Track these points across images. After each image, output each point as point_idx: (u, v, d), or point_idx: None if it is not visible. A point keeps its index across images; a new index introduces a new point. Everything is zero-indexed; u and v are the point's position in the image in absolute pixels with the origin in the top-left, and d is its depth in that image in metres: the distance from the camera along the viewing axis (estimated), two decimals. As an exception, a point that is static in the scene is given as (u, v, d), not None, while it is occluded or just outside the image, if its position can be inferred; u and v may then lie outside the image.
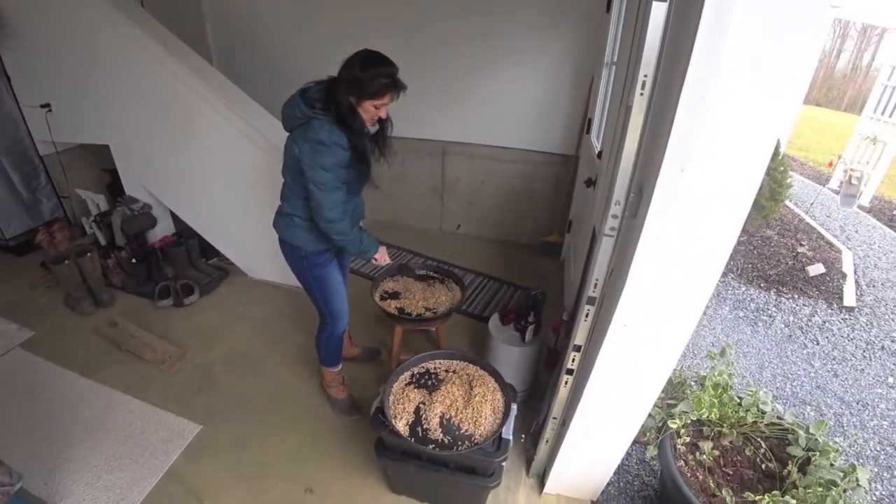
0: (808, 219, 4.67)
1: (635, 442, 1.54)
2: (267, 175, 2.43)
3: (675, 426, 1.54)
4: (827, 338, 2.86)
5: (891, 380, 2.53)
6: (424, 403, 1.48)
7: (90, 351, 2.37)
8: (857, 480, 1.34)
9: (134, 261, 2.88)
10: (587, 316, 1.32)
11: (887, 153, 5.22)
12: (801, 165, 7.49)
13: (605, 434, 1.47)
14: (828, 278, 3.43)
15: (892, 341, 2.84)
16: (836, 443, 1.46)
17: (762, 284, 3.38)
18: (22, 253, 3.17)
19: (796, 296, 3.26)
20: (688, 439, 1.56)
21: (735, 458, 1.55)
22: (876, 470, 1.98)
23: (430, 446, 1.38)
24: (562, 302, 2.76)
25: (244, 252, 2.97)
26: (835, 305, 3.17)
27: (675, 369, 1.62)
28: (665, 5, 0.92)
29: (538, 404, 1.96)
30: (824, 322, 3.00)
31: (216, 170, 2.66)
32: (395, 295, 2.11)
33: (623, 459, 1.61)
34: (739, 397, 1.64)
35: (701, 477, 1.49)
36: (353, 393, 2.09)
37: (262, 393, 2.15)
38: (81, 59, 2.63)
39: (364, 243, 1.62)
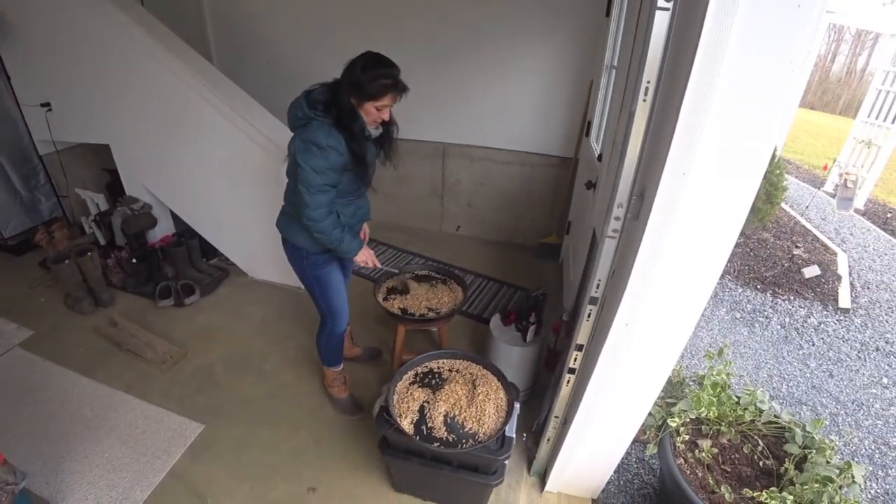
0: (803, 221, 4.72)
1: (635, 440, 1.56)
2: (268, 175, 2.45)
3: (674, 424, 1.56)
4: (822, 339, 2.89)
5: (885, 380, 2.56)
6: (428, 402, 1.50)
7: (90, 350, 2.37)
8: (853, 477, 1.37)
9: (134, 260, 2.88)
10: (589, 316, 1.34)
11: (881, 157, 5.27)
12: (797, 169, 7.55)
13: (606, 432, 1.49)
14: (823, 280, 3.47)
15: (887, 342, 2.88)
16: (831, 440, 1.49)
17: (758, 286, 3.41)
18: (21, 252, 3.16)
19: (792, 297, 3.29)
20: (687, 437, 1.58)
21: (733, 456, 1.58)
22: (871, 468, 2.01)
23: (435, 444, 1.39)
24: (561, 303, 2.79)
25: (245, 252, 2.98)
26: (830, 307, 3.20)
27: (673, 369, 1.64)
28: (668, 14, 0.95)
29: (539, 403, 1.98)
30: (820, 323, 3.03)
31: (217, 169, 2.66)
32: (397, 294, 2.12)
33: (623, 458, 1.63)
34: (737, 396, 1.66)
35: (700, 474, 1.51)
36: (355, 393, 2.10)
37: (263, 393, 2.16)
38: (82, 58, 2.64)
39: (343, 244, 1.62)
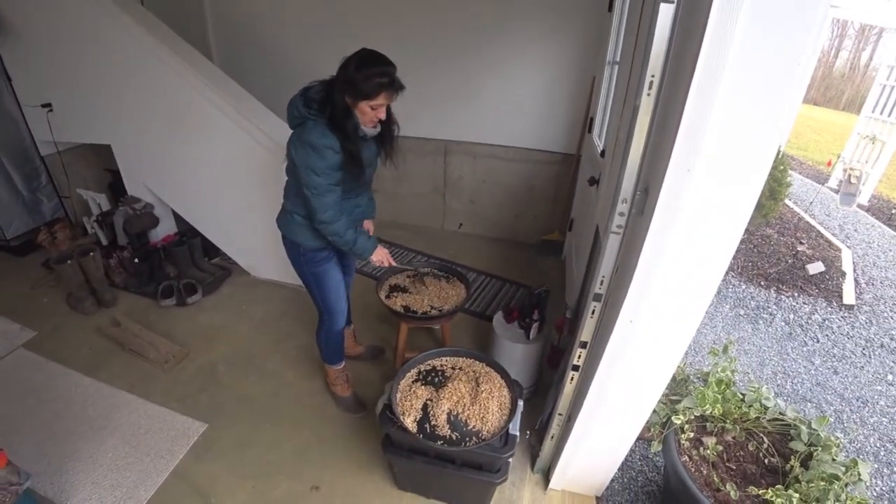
0: (807, 217, 4.70)
1: (639, 438, 1.55)
2: (269, 173, 2.44)
3: (678, 422, 1.55)
4: (827, 335, 2.88)
5: (890, 377, 2.55)
6: (432, 400, 1.49)
7: (93, 351, 2.37)
8: (859, 475, 1.36)
9: (136, 260, 2.88)
10: (593, 313, 1.34)
11: (886, 152, 5.24)
12: (801, 164, 7.51)
13: (610, 430, 1.48)
14: (827, 276, 3.45)
15: (892, 339, 2.86)
16: (837, 438, 1.48)
17: (762, 283, 3.40)
18: (23, 253, 3.16)
19: (796, 294, 3.28)
20: (691, 435, 1.57)
21: (738, 454, 1.57)
22: (876, 466, 2.00)
23: (439, 442, 1.39)
24: (564, 300, 2.78)
25: (246, 251, 2.98)
26: (834, 303, 3.19)
27: (677, 366, 1.63)
28: (672, 7, 0.94)
29: (542, 401, 1.97)
30: (824, 320, 3.02)
31: (218, 168, 2.66)
32: (399, 291, 2.11)
33: (627, 455, 1.62)
34: (742, 393, 1.65)
35: (705, 472, 1.50)
36: (358, 391, 2.10)
37: (265, 392, 2.16)
38: (83, 58, 2.63)
39: (357, 245, 1.61)
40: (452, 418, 1.45)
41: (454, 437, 1.40)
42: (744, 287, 3.36)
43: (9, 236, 3.09)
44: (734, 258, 3.64)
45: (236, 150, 2.53)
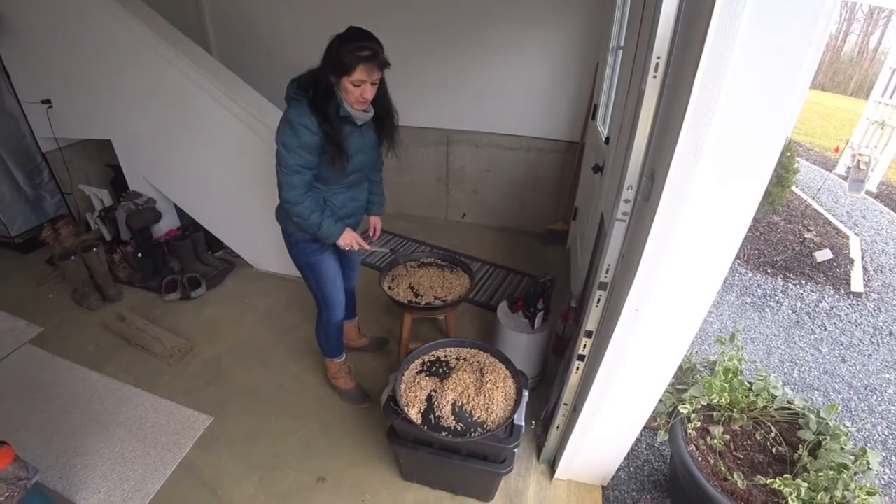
0: (814, 204, 4.64)
1: (645, 427, 1.54)
2: (269, 166, 2.38)
3: (685, 411, 1.54)
4: (834, 323, 2.85)
5: (899, 364, 2.52)
6: (436, 391, 1.48)
7: (99, 346, 2.38)
8: (868, 463, 1.34)
9: (140, 255, 2.88)
10: (599, 301, 1.32)
11: (895, 138, 5.15)
12: (808, 151, 7.41)
13: (617, 419, 1.47)
14: (835, 264, 3.41)
15: (901, 326, 2.83)
16: (845, 426, 1.46)
17: (769, 270, 3.36)
18: (28, 250, 3.18)
19: (803, 282, 3.24)
20: (698, 424, 1.56)
21: (745, 443, 1.56)
22: (885, 454, 1.99)
23: (444, 433, 1.38)
24: (569, 289, 2.76)
25: (249, 244, 2.97)
26: (842, 291, 3.15)
27: (684, 355, 1.62)
28: (679, -16, 0.91)
29: (547, 391, 1.96)
30: (832, 308, 2.99)
31: (219, 161, 2.65)
32: (401, 283, 2.10)
33: (633, 445, 1.61)
34: (749, 382, 1.63)
35: (712, 461, 1.49)
36: (362, 382, 2.10)
37: (271, 384, 2.16)
38: (80, 53, 2.61)
39: (322, 230, 1.56)
40: (457, 409, 1.44)
41: (459, 428, 1.40)
42: (750, 275, 3.33)
43: (13, 233, 3.10)
44: (741, 246, 3.60)
45: (236, 143, 2.51)
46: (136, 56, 2.47)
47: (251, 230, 2.85)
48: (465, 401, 1.46)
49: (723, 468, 1.45)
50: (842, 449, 1.39)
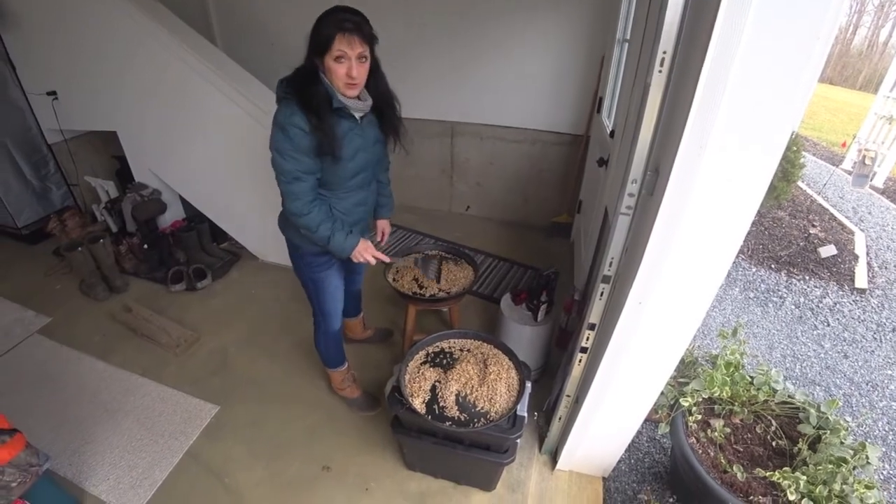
0: (820, 200, 4.61)
1: (646, 420, 1.55)
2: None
3: (686, 404, 1.55)
4: (837, 319, 2.85)
5: (901, 360, 2.52)
6: (440, 382, 1.50)
7: (106, 336, 2.41)
8: (867, 458, 1.35)
9: (146, 246, 2.91)
10: (602, 294, 1.33)
11: (903, 133, 5.10)
12: (814, 146, 7.35)
13: (618, 411, 1.48)
14: (839, 260, 3.40)
15: (904, 322, 2.82)
16: (845, 421, 1.47)
17: (773, 265, 3.36)
18: (35, 241, 3.21)
19: (807, 277, 3.24)
20: (699, 417, 1.57)
21: (746, 436, 1.57)
22: (884, 449, 2.00)
23: (447, 423, 1.40)
24: (572, 282, 2.77)
25: (254, 235, 2.99)
26: (846, 287, 3.14)
27: (686, 349, 1.63)
28: (687, -23, 0.90)
29: (550, 382, 1.98)
30: (835, 304, 2.98)
31: (223, 152, 2.65)
32: (406, 274, 2.11)
33: (634, 437, 1.63)
34: (751, 376, 1.64)
35: (712, 454, 1.51)
36: (367, 373, 2.11)
37: (276, 374, 2.19)
38: (85, 44, 2.61)
39: (333, 243, 1.44)
40: (461, 400, 1.46)
41: (462, 419, 1.42)
42: (754, 270, 3.32)
43: (20, 225, 3.13)
44: (744, 241, 3.58)
45: (240, 134, 2.51)
46: (140, 47, 2.47)
47: (256, 221, 2.86)
48: (468, 391, 1.47)
49: (723, 461, 1.47)
50: (841, 443, 1.40)
